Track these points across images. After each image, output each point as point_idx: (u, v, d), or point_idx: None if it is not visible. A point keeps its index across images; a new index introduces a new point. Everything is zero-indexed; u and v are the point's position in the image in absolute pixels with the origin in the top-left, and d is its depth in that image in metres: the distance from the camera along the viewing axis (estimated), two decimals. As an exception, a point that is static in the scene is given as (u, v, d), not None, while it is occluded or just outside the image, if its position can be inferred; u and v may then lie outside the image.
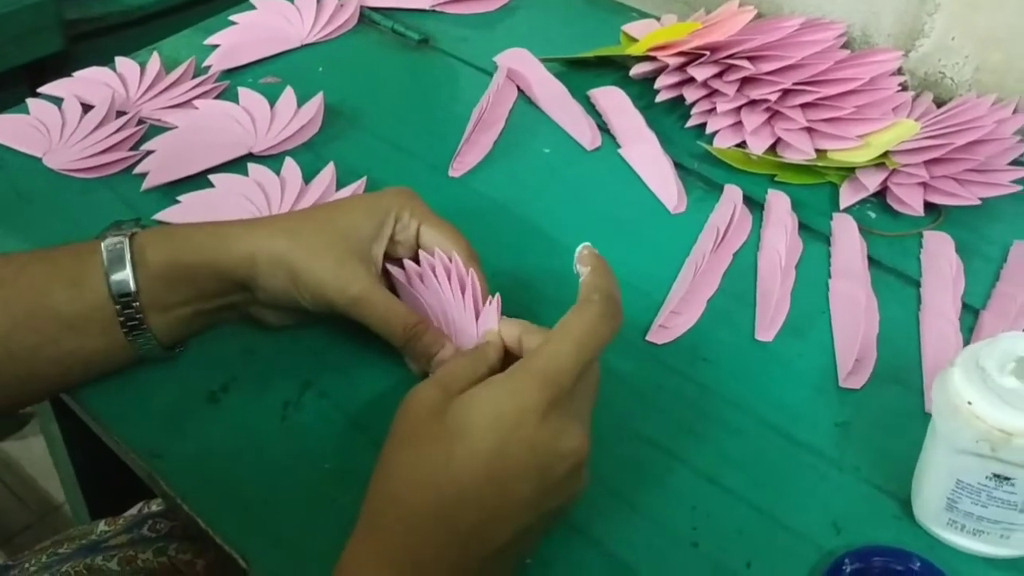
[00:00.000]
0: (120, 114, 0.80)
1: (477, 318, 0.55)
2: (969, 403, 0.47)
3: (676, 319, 0.63)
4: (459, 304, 0.56)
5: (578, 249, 0.52)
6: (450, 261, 0.58)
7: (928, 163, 0.70)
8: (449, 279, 0.57)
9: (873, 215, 0.72)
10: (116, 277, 0.54)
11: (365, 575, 0.43)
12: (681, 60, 0.78)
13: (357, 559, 0.44)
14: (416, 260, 0.60)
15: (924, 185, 0.71)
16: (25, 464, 1.54)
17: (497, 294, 0.56)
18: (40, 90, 0.82)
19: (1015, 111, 0.74)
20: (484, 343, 0.53)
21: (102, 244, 0.55)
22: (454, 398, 0.45)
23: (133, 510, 0.73)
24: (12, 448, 1.55)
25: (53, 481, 1.27)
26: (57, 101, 0.81)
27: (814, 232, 0.71)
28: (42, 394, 0.59)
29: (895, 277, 0.67)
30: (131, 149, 0.77)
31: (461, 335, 0.57)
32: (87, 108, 0.80)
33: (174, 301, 0.56)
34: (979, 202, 0.70)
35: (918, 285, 0.66)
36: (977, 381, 0.47)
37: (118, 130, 0.78)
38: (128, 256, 0.55)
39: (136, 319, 0.55)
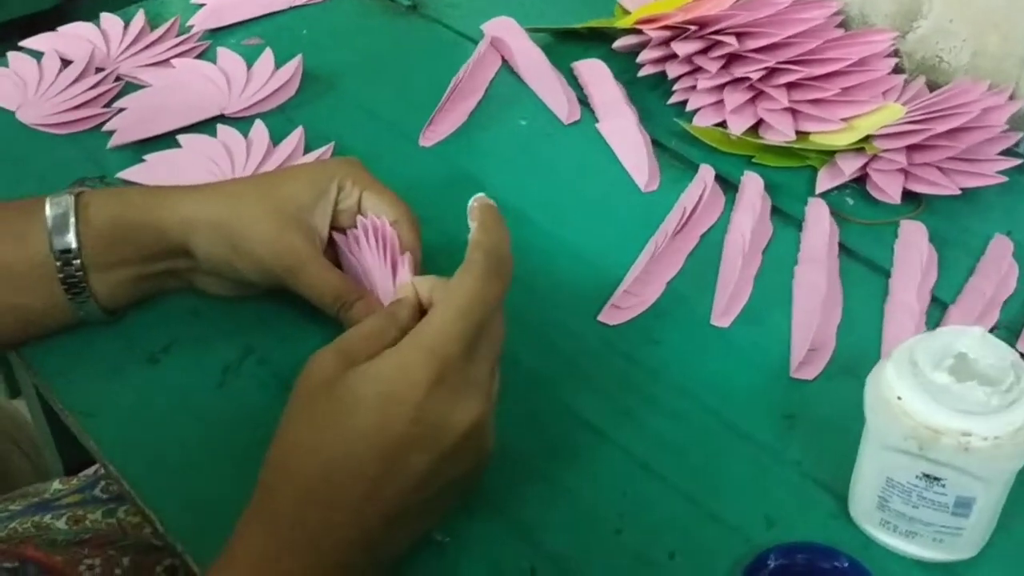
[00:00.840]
0: (99, 70, 0.80)
1: (394, 271, 0.55)
2: (899, 398, 0.45)
3: (630, 299, 0.62)
4: (379, 262, 0.56)
5: (470, 201, 0.50)
6: (379, 223, 0.57)
7: (909, 149, 0.68)
8: (378, 241, 0.57)
9: (851, 202, 0.70)
10: (58, 234, 0.55)
11: (253, 543, 0.43)
12: (666, 34, 0.77)
13: (247, 526, 0.44)
14: None
15: (904, 172, 0.69)
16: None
17: (408, 253, 0.56)
18: (22, 44, 0.83)
19: (1010, 98, 0.71)
20: (395, 303, 0.52)
21: (47, 200, 0.56)
22: (354, 367, 0.45)
23: (89, 470, 0.74)
24: (22, 407, 1.57)
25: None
26: (38, 56, 0.81)
27: (788, 217, 0.69)
28: None
29: (866, 267, 0.65)
30: (105, 107, 0.77)
31: (384, 295, 0.56)
32: (67, 63, 0.80)
33: (115, 261, 0.56)
34: (959, 192, 0.67)
35: (888, 275, 0.64)
36: (908, 376, 0.45)
37: (93, 86, 0.78)
38: (72, 214, 0.55)
39: (76, 277, 0.55)
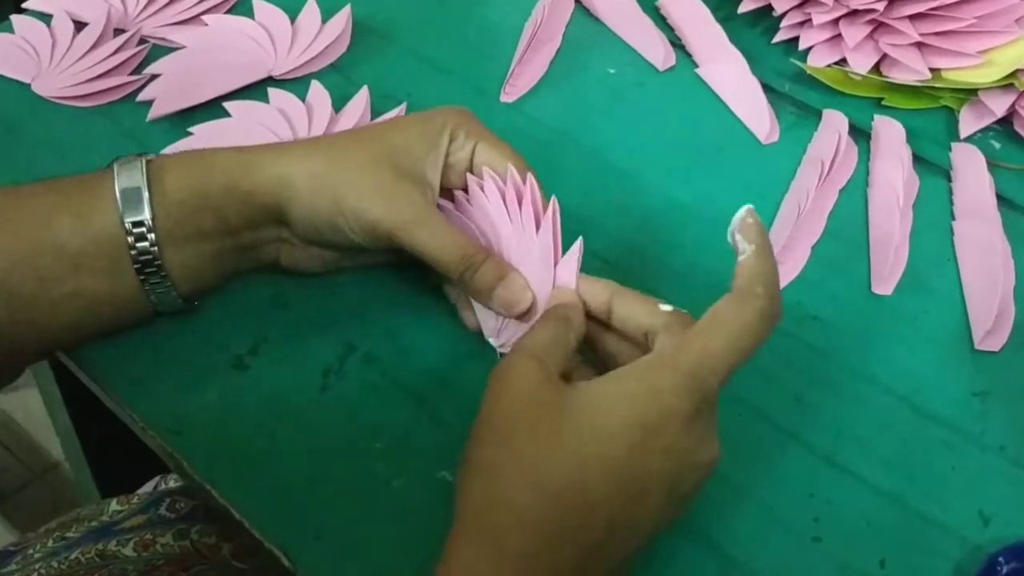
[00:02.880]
0: (118, 32, 0.74)
1: (538, 229, 0.50)
2: None
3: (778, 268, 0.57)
4: (516, 219, 0.51)
5: (739, 214, 0.45)
6: (503, 181, 0.52)
7: (1067, 83, 0.63)
8: (503, 198, 0.51)
9: (997, 145, 0.66)
10: (129, 204, 0.49)
11: (470, 566, 0.38)
12: (769, -37, 0.71)
13: (468, 565, 0.39)
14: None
15: (1061, 109, 0.64)
16: (20, 419, 1.51)
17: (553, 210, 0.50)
18: (25, 5, 0.76)
19: None
20: (561, 306, 0.47)
21: (114, 166, 0.50)
22: (570, 385, 0.41)
23: (148, 486, 0.68)
24: (5, 401, 1.52)
25: (50, 435, 1.23)
26: (46, 18, 0.74)
27: (930, 165, 0.64)
28: (38, 350, 0.53)
29: (1028, 217, 0.61)
30: (132, 73, 0.71)
31: (522, 257, 0.51)
32: (80, 26, 0.73)
33: (194, 233, 0.50)
34: None
35: (1056, 226, 0.60)
36: None
37: (117, 51, 0.71)
38: (145, 181, 0.49)
39: (150, 254, 0.49)
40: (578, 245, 0.49)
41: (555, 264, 0.49)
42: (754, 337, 0.42)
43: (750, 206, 0.44)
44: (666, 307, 0.45)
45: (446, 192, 0.54)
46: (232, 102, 0.67)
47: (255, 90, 0.69)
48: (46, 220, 0.49)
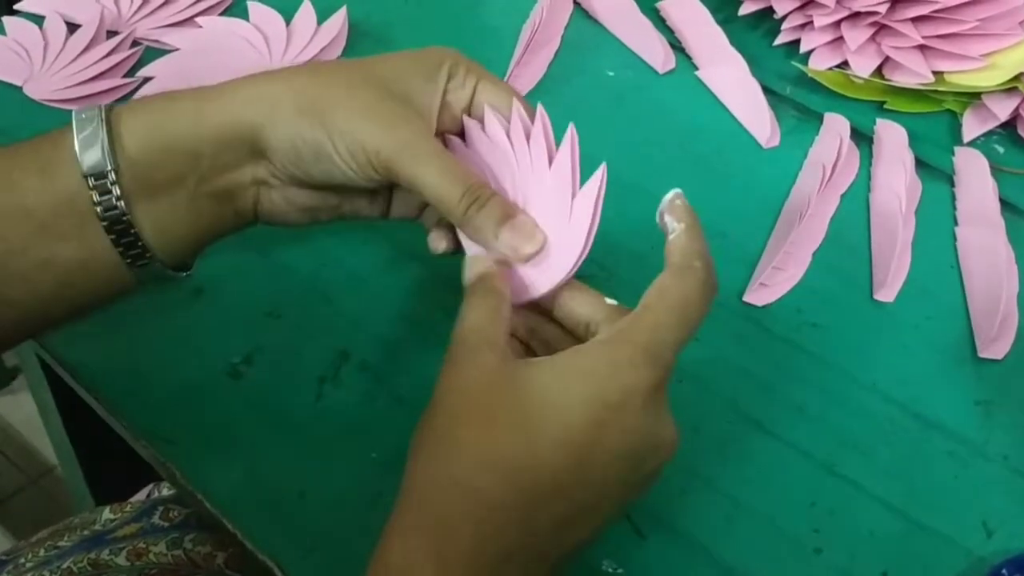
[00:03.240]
0: (111, 34, 0.73)
1: (550, 165, 0.46)
2: None
3: (778, 275, 0.57)
4: (524, 156, 0.46)
5: (667, 196, 0.45)
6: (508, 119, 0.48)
7: (1071, 87, 0.63)
8: (509, 135, 0.47)
9: (1001, 149, 0.66)
10: (88, 155, 0.44)
11: (411, 555, 0.37)
12: (770, -35, 0.71)
13: (406, 554, 0.37)
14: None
15: (1065, 113, 0.64)
16: (15, 422, 1.50)
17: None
18: (17, 7, 0.75)
19: None
20: (484, 277, 0.45)
21: (72, 117, 0.46)
22: (523, 361, 0.40)
23: (141, 494, 0.68)
24: (0, 405, 1.51)
25: (45, 440, 1.23)
26: (38, 20, 0.74)
27: (932, 169, 0.64)
28: (16, 330, 0.49)
29: (1032, 223, 0.61)
30: (125, 75, 0.70)
31: (533, 196, 0.46)
32: (73, 28, 0.73)
33: (164, 181, 0.46)
34: None
35: (1061, 232, 0.59)
36: None
37: (110, 53, 0.71)
38: (103, 128, 0.44)
39: (116, 208, 0.45)
40: (600, 173, 0.44)
41: (572, 197, 0.45)
42: (699, 310, 0.41)
43: (678, 190, 0.44)
44: (611, 301, 0.44)
45: (439, 137, 0.49)
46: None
47: (250, 93, 0.68)
48: (9, 182, 0.45)
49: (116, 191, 0.44)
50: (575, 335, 0.45)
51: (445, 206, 0.45)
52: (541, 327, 0.46)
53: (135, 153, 0.45)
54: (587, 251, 0.44)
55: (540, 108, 0.46)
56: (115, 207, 0.45)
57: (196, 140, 0.45)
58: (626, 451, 0.39)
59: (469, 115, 0.49)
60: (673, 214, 0.44)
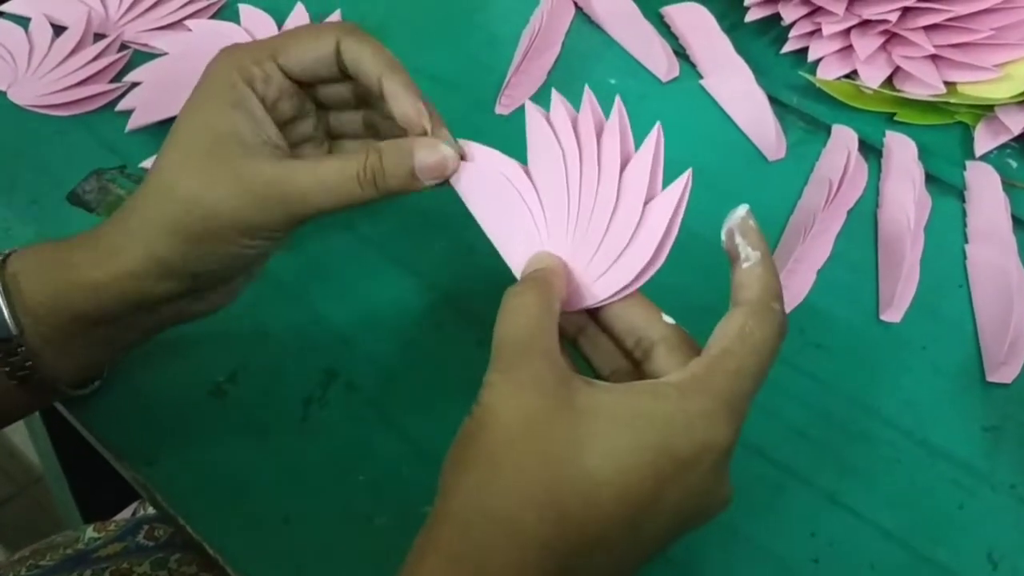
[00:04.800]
0: (99, 37, 0.74)
1: (622, 163, 0.43)
2: None
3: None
4: (592, 150, 0.44)
5: (738, 213, 0.42)
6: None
7: (1087, 100, 0.63)
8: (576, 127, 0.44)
9: (1014, 164, 0.65)
10: None
11: None
12: (778, -30, 0.71)
13: (423, 561, 0.37)
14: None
15: (1081, 127, 0.64)
16: (5, 432, 1.50)
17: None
18: (1, 8, 0.76)
19: None
20: (543, 270, 0.43)
21: None
22: (584, 383, 0.38)
23: (126, 512, 0.68)
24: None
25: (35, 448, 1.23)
26: (23, 23, 0.74)
27: (943, 184, 0.64)
28: None
29: (1046, 242, 0.61)
30: (113, 80, 0.71)
31: (600, 198, 0.43)
32: (59, 30, 0.73)
33: (74, 328, 0.46)
34: None
35: (1075, 252, 0.59)
36: None
37: (97, 56, 0.71)
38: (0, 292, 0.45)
39: (26, 370, 0.46)
40: (685, 178, 0.43)
41: (646, 201, 0.43)
42: (773, 355, 0.39)
43: (746, 205, 0.42)
44: (669, 320, 0.42)
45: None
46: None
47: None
48: None
49: (22, 351, 0.45)
50: (622, 346, 0.43)
51: (352, 196, 0.44)
52: (588, 327, 0.44)
53: (39, 311, 0.45)
54: (660, 262, 0.42)
55: (618, 100, 0.44)
56: (25, 369, 0.46)
57: (95, 300, 0.45)
58: (683, 511, 0.38)
59: (343, 68, 0.47)
60: (747, 238, 0.41)
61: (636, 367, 0.43)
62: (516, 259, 0.45)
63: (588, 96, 0.45)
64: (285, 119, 0.48)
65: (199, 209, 0.44)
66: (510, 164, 0.45)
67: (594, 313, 0.44)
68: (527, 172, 0.45)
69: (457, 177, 0.46)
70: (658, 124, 0.43)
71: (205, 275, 0.46)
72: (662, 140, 0.43)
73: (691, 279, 0.53)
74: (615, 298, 0.43)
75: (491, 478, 0.37)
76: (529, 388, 0.38)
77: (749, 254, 0.41)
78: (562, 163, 0.44)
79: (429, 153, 0.45)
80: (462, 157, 0.46)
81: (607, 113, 0.44)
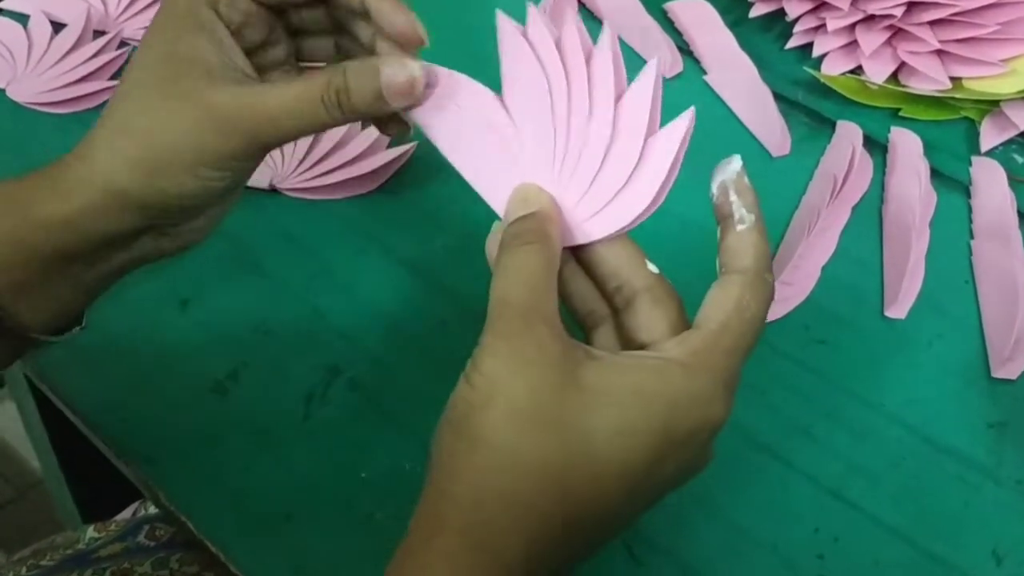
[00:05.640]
0: (98, 34, 0.74)
1: (616, 95, 0.40)
2: None
3: (785, 290, 0.57)
4: (581, 76, 0.41)
5: (732, 166, 0.40)
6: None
7: (1094, 95, 0.64)
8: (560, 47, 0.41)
9: (1020, 159, 0.66)
10: None
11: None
12: (782, -35, 0.71)
13: (457, 567, 0.36)
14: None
15: (1087, 122, 0.64)
16: (2, 432, 1.51)
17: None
18: (1, 5, 0.76)
19: None
20: (534, 218, 0.40)
21: None
22: (587, 355, 0.38)
23: (127, 512, 0.68)
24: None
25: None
26: (23, 20, 0.75)
27: (948, 180, 0.65)
28: None
29: (1052, 237, 0.61)
30: (112, 78, 0.72)
31: (589, 132, 0.40)
32: (58, 27, 0.74)
33: (44, 275, 0.44)
34: None
35: (1081, 247, 0.60)
36: None
37: (97, 54, 0.72)
38: None
39: None
40: (689, 114, 0.41)
41: (645, 137, 0.40)
42: (763, 328, 0.40)
43: (739, 157, 0.40)
44: (653, 268, 0.41)
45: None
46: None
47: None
48: None
49: None
50: (602, 288, 0.42)
51: (317, 119, 0.42)
52: (566, 265, 0.42)
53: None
54: (660, 201, 0.40)
55: (607, 25, 0.41)
56: None
57: (63, 247, 0.44)
58: (673, 481, 0.39)
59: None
60: (742, 197, 0.40)
61: (614, 313, 0.42)
62: (499, 200, 0.42)
63: (572, 14, 0.41)
64: (253, 45, 0.46)
65: (160, 140, 0.42)
66: (483, 92, 0.43)
67: (576, 250, 0.42)
68: (502, 101, 0.42)
69: (424, 113, 0.43)
70: (655, 60, 0.41)
71: (171, 209, 0.44)
72: (661, 75, 0.41)
73: (694, 274, 0.54)
74: (612, 236, 0.41)
75: (501, 459, 0.37)
76: (534, 361, 0.37)
77: (743, 216, 0.40)
78: (546, 89, 0.41)
79: (397, 71, 0.42)
80: (427, 85, 0.42)
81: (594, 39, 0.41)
